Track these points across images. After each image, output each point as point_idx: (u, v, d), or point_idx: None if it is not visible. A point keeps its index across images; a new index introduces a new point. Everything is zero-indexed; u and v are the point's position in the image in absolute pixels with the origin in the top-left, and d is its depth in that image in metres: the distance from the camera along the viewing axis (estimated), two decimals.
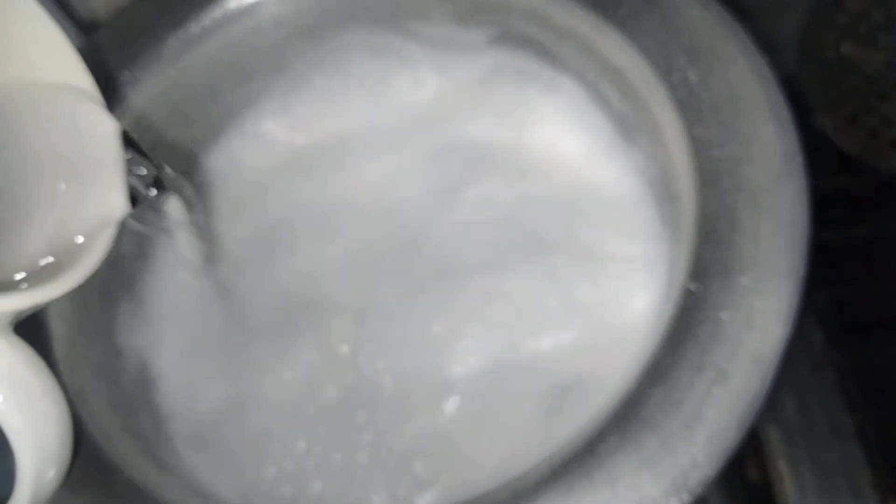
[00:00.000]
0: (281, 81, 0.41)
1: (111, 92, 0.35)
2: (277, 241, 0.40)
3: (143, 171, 0.30)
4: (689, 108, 0.31)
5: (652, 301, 0.34)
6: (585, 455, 0.25)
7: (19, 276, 0.26)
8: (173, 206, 0.32)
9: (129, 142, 0.28)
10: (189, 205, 0.32)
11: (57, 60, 0.27)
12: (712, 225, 0.28)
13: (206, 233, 0.35)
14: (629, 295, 0.35)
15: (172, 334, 0.38)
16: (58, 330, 0.32)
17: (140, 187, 0.29)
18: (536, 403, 0.34)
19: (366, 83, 0.42)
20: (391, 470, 0.34)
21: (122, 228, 0.29)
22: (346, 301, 0.38)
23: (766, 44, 0.31)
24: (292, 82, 0.41)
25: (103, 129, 0.27)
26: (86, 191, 0.27)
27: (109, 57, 0.35)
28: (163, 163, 0.30)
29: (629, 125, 0.37)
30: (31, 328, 0.27)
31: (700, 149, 0.30)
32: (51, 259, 0.27)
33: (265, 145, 0.42)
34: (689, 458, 0.25)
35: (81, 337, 0.33)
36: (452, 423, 0.35)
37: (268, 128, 0.42)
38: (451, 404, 0.35)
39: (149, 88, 0.36)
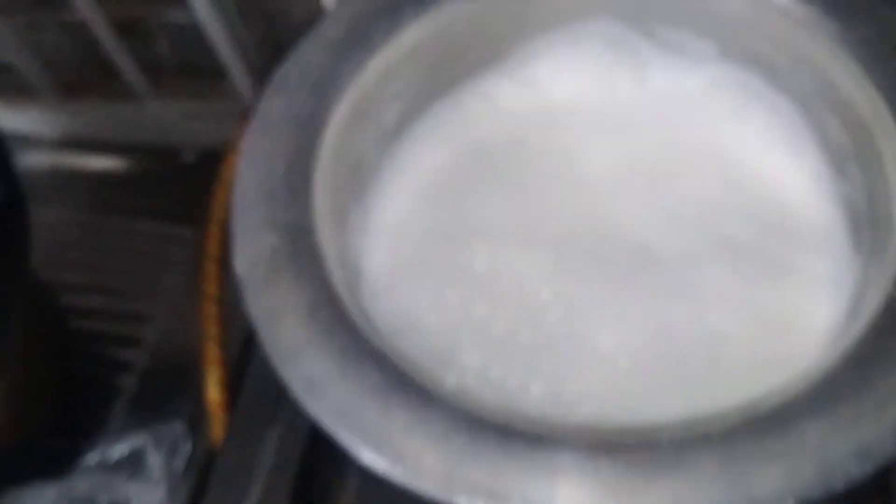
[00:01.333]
0: (517, 55, 0.45)
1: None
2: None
3: None
4: None
5: (833, 315, 0.37)
6: (780, 412, 0.28)
7: None
8: None
9: None
10: None
11: None
12: None
13: None
14: (811, 306, 0.38)
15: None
16: None
17: None
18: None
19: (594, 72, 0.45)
20: None
21: None
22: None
23: None
24: (526, 58, 0.45)
25: None
26: None
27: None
28: None
29: (844, 154, 0.39)
30: None
31: None
32: None
33: (491, 107, 0.46)
34: (875, 433, 0.27)
35: None
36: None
37: (493, 93, 0.46)
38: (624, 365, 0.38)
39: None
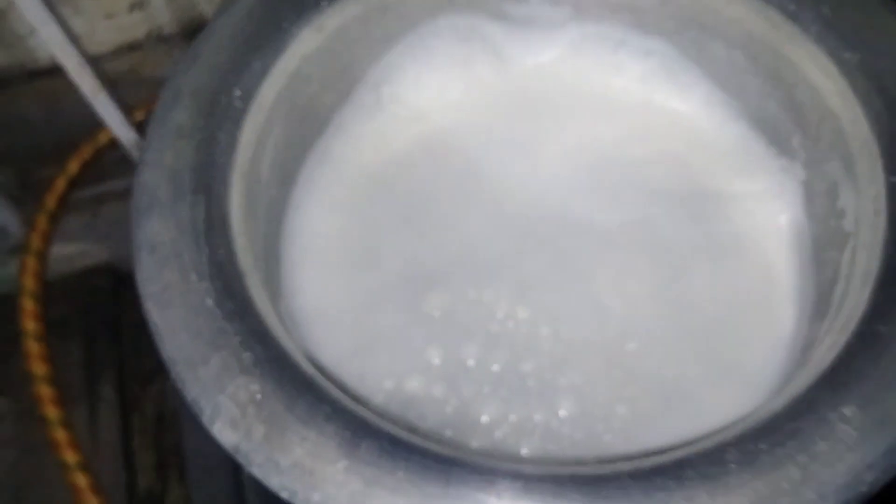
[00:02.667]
0: (373, 78, 0.41)
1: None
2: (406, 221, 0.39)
3: None
4: None
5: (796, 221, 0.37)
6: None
7: None
8: None
9: None
10: None
11: None
12: None
13: None
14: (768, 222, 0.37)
15: None
16: None
17: None
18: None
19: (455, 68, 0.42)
20: None
21: None
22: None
23: None
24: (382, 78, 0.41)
25: None
26: None
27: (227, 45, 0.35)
28: None
29: (737, 70, 0.39)
30: None
31: None
32: None
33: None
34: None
35: None
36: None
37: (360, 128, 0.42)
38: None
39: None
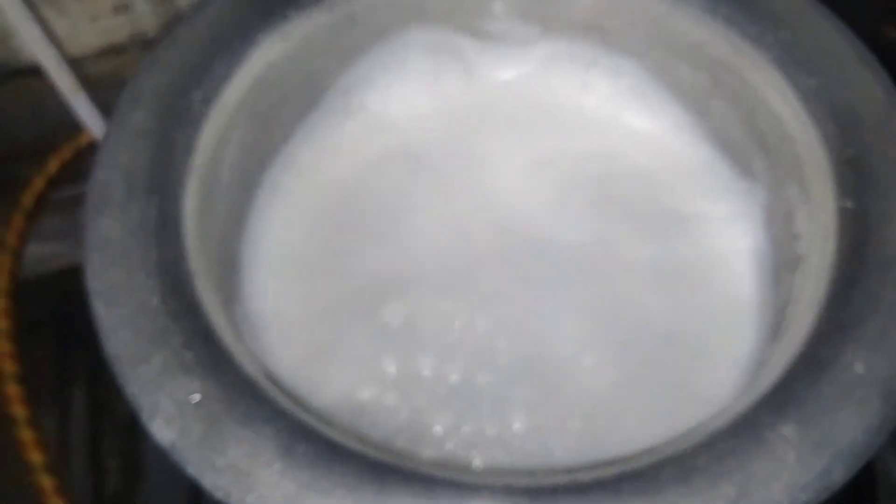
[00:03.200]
0: (341, 86, 0.41)
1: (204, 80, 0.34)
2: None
3: None
4: None
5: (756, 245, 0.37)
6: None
7: None
8: None
9: None
10: None
11: None
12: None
13: None
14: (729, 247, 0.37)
15: None
16: None
17: None
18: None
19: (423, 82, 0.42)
20: None
21: None
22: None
23: None
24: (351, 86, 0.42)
25: None
26: None
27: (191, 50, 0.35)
28: None
29: (703, 93, 0.39)
30: None
31: None
32: None
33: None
34: None
35: None
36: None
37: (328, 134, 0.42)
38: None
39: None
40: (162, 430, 0.27)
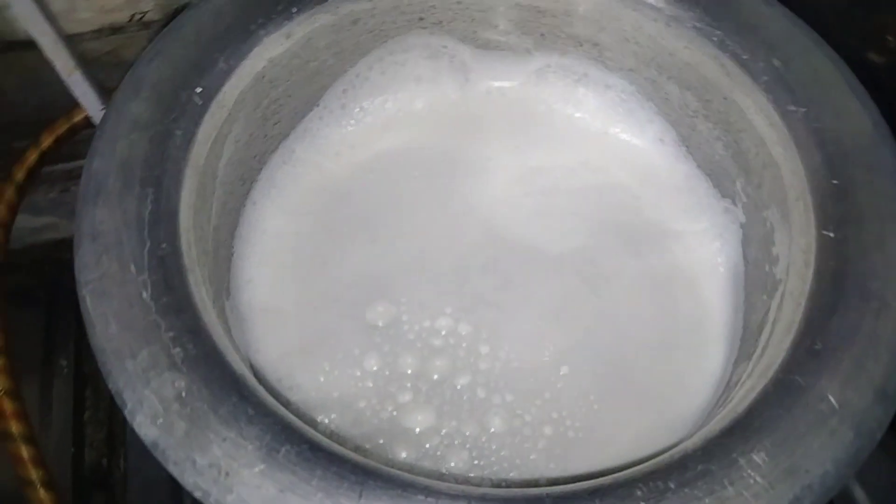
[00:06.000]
0: (339, 86, 0.41)
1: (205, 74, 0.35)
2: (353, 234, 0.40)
3: None
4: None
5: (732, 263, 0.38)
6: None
7: None
8: None
9: None
10: None
11: None
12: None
13: None
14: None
15: None
16: None
17: None
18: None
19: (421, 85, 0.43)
20: None
21: None
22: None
23: None
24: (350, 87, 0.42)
25: None
26: None
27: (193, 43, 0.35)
28: None
29: (689, 112, 0.40)
30: None
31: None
32: None
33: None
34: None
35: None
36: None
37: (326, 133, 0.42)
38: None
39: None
40: (145, 426, 0.27)
